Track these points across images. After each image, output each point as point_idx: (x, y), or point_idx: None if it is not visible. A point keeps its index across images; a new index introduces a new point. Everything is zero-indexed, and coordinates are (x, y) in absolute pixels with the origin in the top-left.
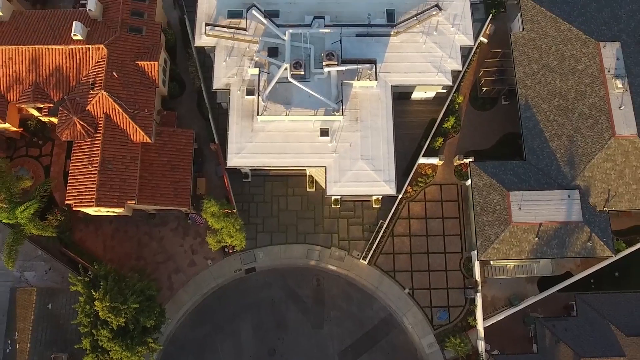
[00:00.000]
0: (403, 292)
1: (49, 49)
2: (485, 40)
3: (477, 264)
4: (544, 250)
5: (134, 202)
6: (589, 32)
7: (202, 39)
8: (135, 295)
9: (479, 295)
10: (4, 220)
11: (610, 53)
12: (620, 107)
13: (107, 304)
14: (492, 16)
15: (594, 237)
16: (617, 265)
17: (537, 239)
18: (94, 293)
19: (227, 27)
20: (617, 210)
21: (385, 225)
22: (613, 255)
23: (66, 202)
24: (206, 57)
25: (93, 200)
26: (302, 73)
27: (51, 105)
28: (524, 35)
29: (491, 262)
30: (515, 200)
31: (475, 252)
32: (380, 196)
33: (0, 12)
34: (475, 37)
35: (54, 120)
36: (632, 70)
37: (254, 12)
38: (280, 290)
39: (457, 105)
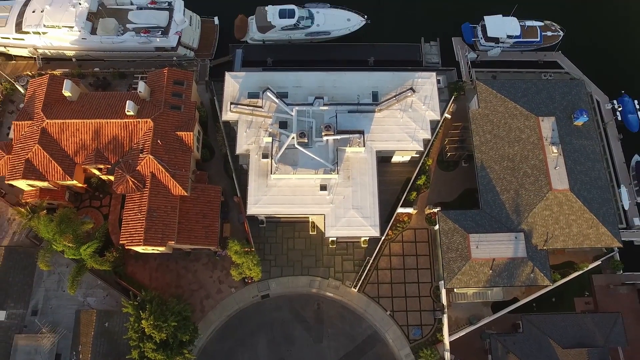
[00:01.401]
0: (385, 313)
1: (107, 122)
2: (449, 116)
3: (443, 291)
4: (497, 280)
5: (173, 242)
6: (530, 109)
7: (227, 115)
8: (174, 316)
9: (445, 316)
10: (69, 257)
11: (547, 125)
12: (555, 168)
13: (152, 323)
14: (454, 97)
15: (535, 269)
16: (554, 292)
17: (491, 271)
18: (141, 314)
19: (247, 105)
20: (553, 249)
21: (371, 261)
22: (551, 284)
23: (120, 242)
24: (231, 129)
25: (141, 240)
26: (306, 141)
27: (109, 166)
28: (479, 112)
29: (455, 289)
30: (474, 241)
31: (442, 281)
32: (367, 238)
33: (70, 93)
34: (441, 114)
35: (111, 178)
36: (564, 139)
37: (268, 93)
38: (288, 312)
39: (427, 167)
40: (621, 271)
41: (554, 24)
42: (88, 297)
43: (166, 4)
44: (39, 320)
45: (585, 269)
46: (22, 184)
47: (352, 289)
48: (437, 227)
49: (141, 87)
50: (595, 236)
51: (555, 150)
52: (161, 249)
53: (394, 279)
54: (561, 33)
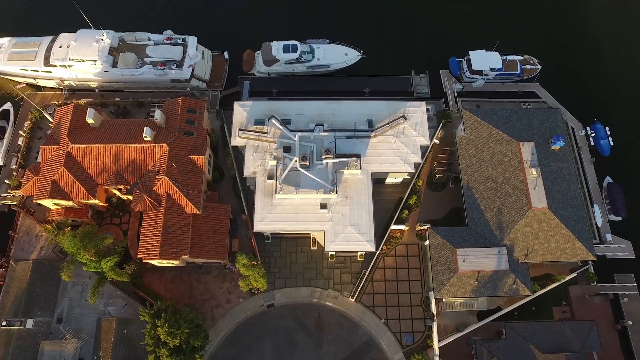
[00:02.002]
0: (380, 321)
1: (127, 146)
2: (437, 142)
3: (433, 301)
4: (482, 290)
5: (186, 256)
6: (512, 135)
7: (236, 140)
8: (187, 323)
9: (434, 323)
10: (91, 270)
11: (527, 149)
12: (535, 188)
13: (166, 330)
14: (442, 124)
15: (517, 281)
16: (534, 301)
17: (476, 282)
18: (157, 322)
19: (254, 132)
20: (533, 262)
21: (367, 273)
22: (531, 294)
23: (138, 255)
24: (239, 153)
25: (157, 254)
26: (308, 164)
27: (128, 186)
28: (465, 137)
29: (443, 299)
30: (461, 255)
31: (432, 292)
32: (364, 252)
33: (93, 120)
34: (431, 139)
35: (130, 197)
36: (543, 162)
37: (273, 120)
38: (291, 320)
39: (418, 188)
40: (595, 283)
41: (532, 58)
42: (108, 307)
43: (181, 40)
44: (63, 327)
45: (563, 281)
46: (48, 203)
47: (350, 298)
48: (427, 242)
49: (157, 114)
50: (572, 250)
51: (534, 172)
52: (175, 262)
53: (388, 290)
54: (539, 66)
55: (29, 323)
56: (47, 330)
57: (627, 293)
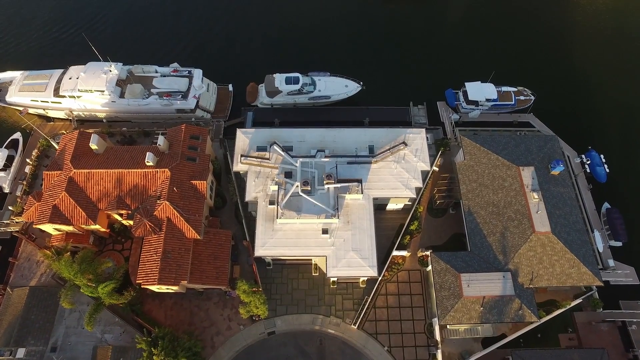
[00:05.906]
0: (383, 349)
1: (129, 171)
2: (437, 169)
3: (437, 328)
4: (487, 316)
5: (186, 281)
6: (511, 160)
7: (238, 166)
8: (185, 351)
9: (439, 351)
10: (88, 294)
11: (527, 174)
12: (537, 212)
13: (163, 358)
14: (441, 152)
15: (523, 307)
16: (539, 328)
17: (481, 308)
18: (153, 350)
19: (256, 158)
20: (537, 287)
21: (369, 300)
22: (538, 320)
23: (137, 280)
24: (241, 181)
25: (156, 280)
26: (309, 189)
27: (129, 211)
28: (465, 163)
29: (447, 326)
30: (465, 280)
31: (436, 318)
32: (366, 278)
33: (97, 147)
34: (430, 166)
35: (131, 222)
36: (543, 186)
37: (275, 147)
38: (293, 348)
39: (418, 214)
40: (601, 309)
41: (526, 89)
42: (106, 334)
43: (187, 72)
44: (57, 356)
45: (568, 307)
46: (49, 227)
47: (352, 326)
48: (429, 268)
49: (160, 140)
50: (577, 275)
51: (536, 197)
52: (175, 288)
53: (391, 317)
54: (532, 97)
55: (20, 353)
56: None
57: (634, 320)
